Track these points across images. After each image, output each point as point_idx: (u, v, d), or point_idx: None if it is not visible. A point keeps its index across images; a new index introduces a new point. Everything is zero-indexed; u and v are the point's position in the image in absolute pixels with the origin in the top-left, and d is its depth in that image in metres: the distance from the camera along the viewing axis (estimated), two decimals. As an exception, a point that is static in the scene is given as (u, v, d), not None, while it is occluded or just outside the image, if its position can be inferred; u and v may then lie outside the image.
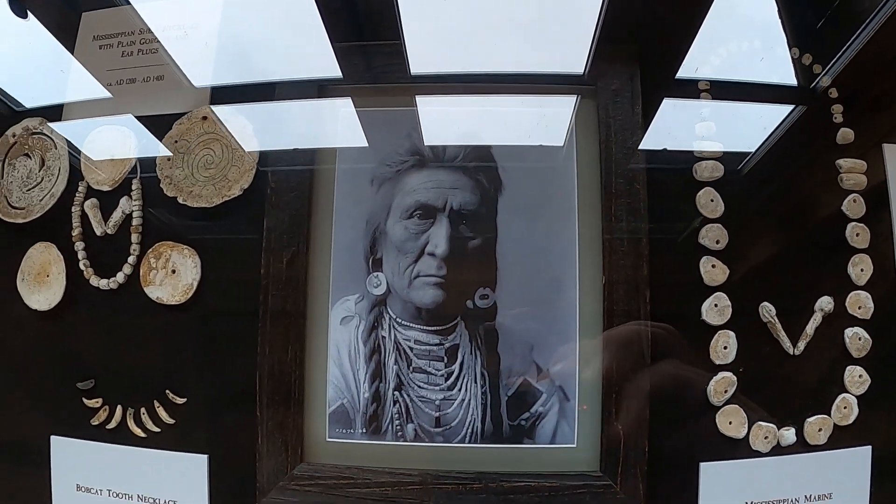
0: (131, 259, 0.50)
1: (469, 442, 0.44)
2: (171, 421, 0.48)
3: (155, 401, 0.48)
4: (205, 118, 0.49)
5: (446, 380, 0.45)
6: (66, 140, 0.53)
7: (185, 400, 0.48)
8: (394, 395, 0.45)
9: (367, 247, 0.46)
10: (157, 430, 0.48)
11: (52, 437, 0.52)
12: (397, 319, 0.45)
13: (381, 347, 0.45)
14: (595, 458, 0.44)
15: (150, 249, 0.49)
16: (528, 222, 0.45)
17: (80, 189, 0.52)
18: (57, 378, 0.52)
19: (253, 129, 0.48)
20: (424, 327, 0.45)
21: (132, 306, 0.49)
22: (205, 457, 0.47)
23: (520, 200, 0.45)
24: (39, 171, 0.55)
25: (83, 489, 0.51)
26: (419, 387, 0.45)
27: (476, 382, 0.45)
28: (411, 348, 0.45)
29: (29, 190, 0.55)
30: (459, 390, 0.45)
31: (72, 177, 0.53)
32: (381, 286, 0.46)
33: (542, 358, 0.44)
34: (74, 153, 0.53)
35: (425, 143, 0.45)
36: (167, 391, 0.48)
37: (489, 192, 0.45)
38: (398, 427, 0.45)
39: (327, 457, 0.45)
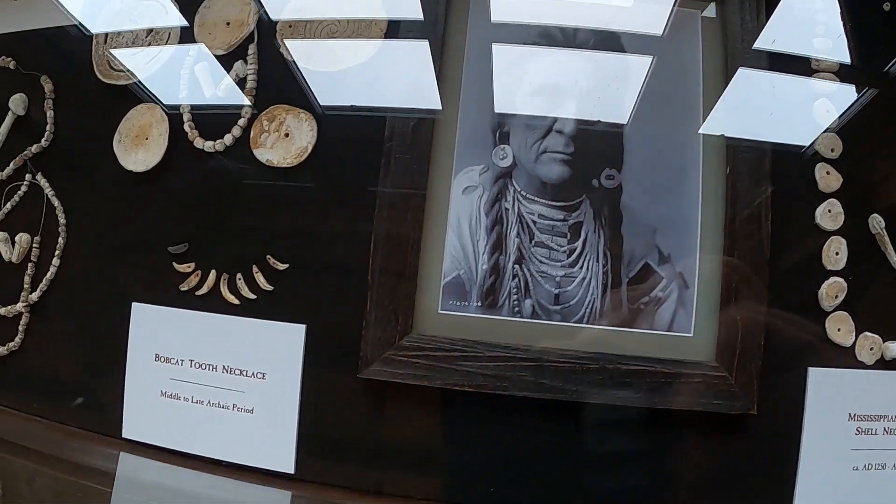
0: (241, 121, 0.49)
1: (587, 322, 0.43)
2: (270, 288, 0.46)
3: (254, 266, 0.47)
4: None
5: (568, 256, 0.44)
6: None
7: (286, 266, 0.46)
8: (513, 268, 0.44)
9: (494, 119, 0.46)
10: (253, 297, 0.47)
11: (134, 304, 0.50)
12: (522, 192, 0.44)
13: (503, 219, 0.44)
14: (710, 349, 0.44)
15: (264, 112, 0.48)
16: (654, 110, 0.45)
17: (190, 52, 0.52)
18: (147, 242, 0.50)
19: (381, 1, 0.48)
20: (549, 202, 0.44)
21: (238, 169, 0.48)
22: (302, 326, 0.46)
23: (647, 88, 0.45)
24: (147, 36, 0.54)
25: (162, 359, 0.48)
26: (540, 261, 0.44)
27: (598, 261, 0.44)
28: (535, 222, 0.44)
29: (135, 54, 0.54)
30: (581, 268, 0.44)
31: (183, 40, 0.52)
32: (508, 158, 0.45)
33: (664, 242, 0.44)
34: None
35: (557, 24, 0.46)
36: (268, 256, 0.47)
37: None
38: (515, 302, 0.44)
39: (438, 329, 0.43)
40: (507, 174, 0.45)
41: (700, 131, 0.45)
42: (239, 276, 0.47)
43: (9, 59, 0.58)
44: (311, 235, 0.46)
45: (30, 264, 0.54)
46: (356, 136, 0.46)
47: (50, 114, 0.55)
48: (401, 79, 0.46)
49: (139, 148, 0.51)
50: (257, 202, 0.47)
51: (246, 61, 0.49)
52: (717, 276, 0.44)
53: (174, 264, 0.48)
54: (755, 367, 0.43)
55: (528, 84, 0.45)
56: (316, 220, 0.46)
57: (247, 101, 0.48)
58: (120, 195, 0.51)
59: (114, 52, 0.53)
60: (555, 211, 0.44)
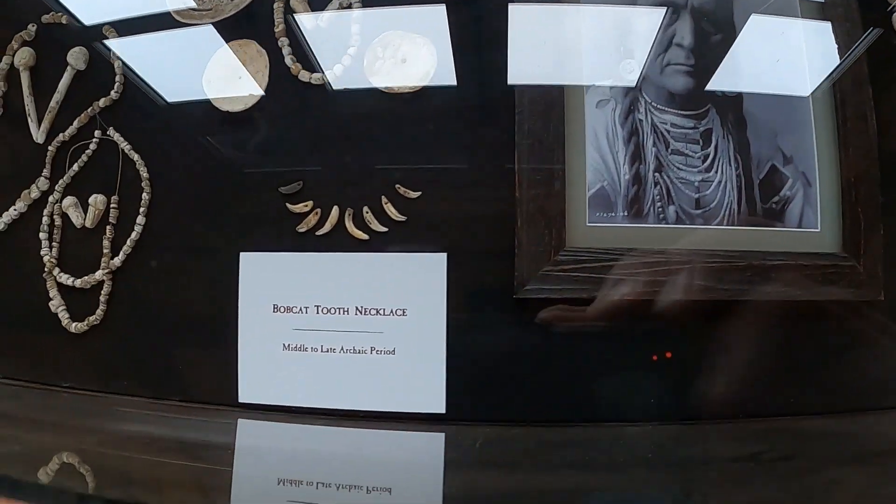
0: (352, 50, 0.46)
1: (727, 224, 0.44)
2: (402, 218, 0.44)
3: (383, 197, 0.44)
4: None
5: (703, 161, 0.45)
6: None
7: (419, 194, 0.44)
8: (654, 176, 0.44)
9: (616, 36, 0.46)
10: (384, 229, 0.44)
11: (242, 255, 0.45)
12: (653, 103, 0.45)
13: (638, 130, 0.45)
14: (837, 242, 0.46)
15: (377, 39, 0.46)
16: (761, 23, 0.47)
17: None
18: (251, 186, 0.46)
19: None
20: (679, 111, 0.45)
21: (351, 99, 0.45)
22: (443, 255, 0.43)
23: (755, 3, 0.47)
24: None
25: (282, 309, 0.44)
26: (678, 168, 0.45)
27: (731, 165, 0.45)
28: (668, 131, 0.45)
29: None
30: (716, 172, 0.45)
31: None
32: (634, 72, 0.46)
33: (785, 145, 0.46)
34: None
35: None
36: (397, 185, 0.45)
37: (725, -7, 0.48)
38: (660, 209, 0.44)
39: (589, 241, 0.43)
40: (636, 87, 0.46)
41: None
42: (366, 209, 0.44)
43: (60, 14, 0.53)
44: (442, 159, 0.44)
45: (108, 227, 0.48)
46: (483, 57, 0.45)
47: (118, 63, 0.50)
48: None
49: (233, 87, 0.48)
50: (376, 132, 0.45)
51: (346, -11, 0.49)
52: (836, 173, 0.47)
53: (288, 205, 0.45)
54: (878, 255, 0.46)
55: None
56: (447, 144, 0.44)
57: (354, 29, 0.47)
58: (215, 139, 0.47)
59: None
60: (685, 119, 0.45)
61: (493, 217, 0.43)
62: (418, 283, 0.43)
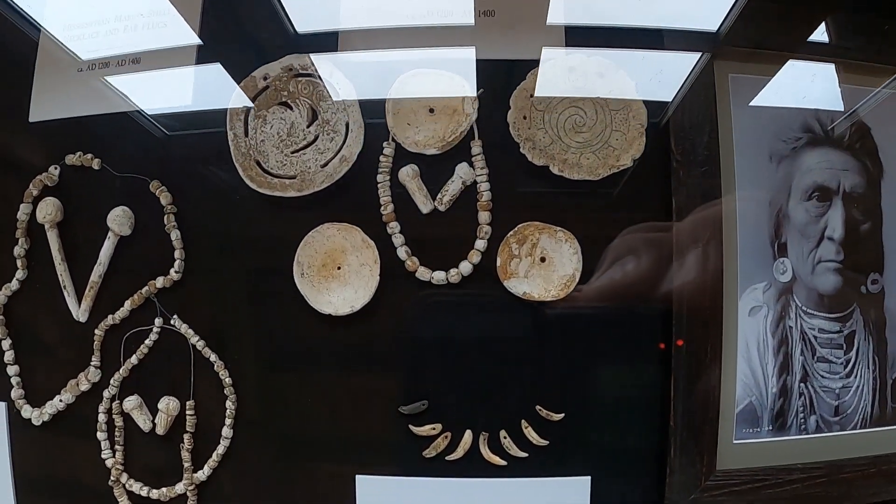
0: (480, 244, 0.39)
1: (860, 428, 0.44)
2: (544, 442, 0.40)
3: (523, 420, 0.40)
4: (571, 69, 0.40)
5: (845, 367, 0.43)
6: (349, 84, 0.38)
7: (562, 416, 0.40)
8: (799, 386, 0.42)
9: (772, 230, 0.42)
10: (524, 455, 0.40)
11: (358, 477, 0.40)
12: (803, 307, 0.42)
13: (788, 338, 0.42)
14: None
15: (512, 232, 0.39)
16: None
17: (386, 151, 0.40)
18: (366, 400, 0.40)
19: (636, 85, 0.39)
20: (827, 314, 0.43)
21: (482, 305, 0.39)
22: (587, 479, 0.40)
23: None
24: (308, 126, 0.40)
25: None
26: (822, 376, 0.43)
27: (868, 368, 0.44)
28: (815, 337, 0.43)
29: (295, 152, 0.40)
30: (855, 377, 0.44)
31: (368, 135, 0.40)
32: (788, 272, 0.42)
33: (917, 340, 0.45)
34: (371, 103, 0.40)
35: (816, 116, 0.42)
36: (538, 407, 0.40)
37: (873, 175, 0.44)
38: (801, 420, 0.43)
39: (735, 460, 0.40)
40: (788, 290, 0.42)
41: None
42: (503, 433, 0.39)
43: (90, 155, 0.42)
44: (586, 379, 0.40)
45: (186, 437, 0.41)
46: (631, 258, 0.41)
47: (176, 234, 0.41)
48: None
49: (332, 281, 0.39)
50: (515, 345, 0.39)
51: (472, 164, 0.40)
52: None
53: (411, 427, 0.39)
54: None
55: (799, 187, 0.43)
56: (593, 360, 0.40)
57: (482, 218, 0.40)
58: (314, 341, 0.39)
59: (263, 148, 0.39)
60: (832, 323, 0.43)
61: (640, 440, 0.39)
62: (559, 508, 0.41)
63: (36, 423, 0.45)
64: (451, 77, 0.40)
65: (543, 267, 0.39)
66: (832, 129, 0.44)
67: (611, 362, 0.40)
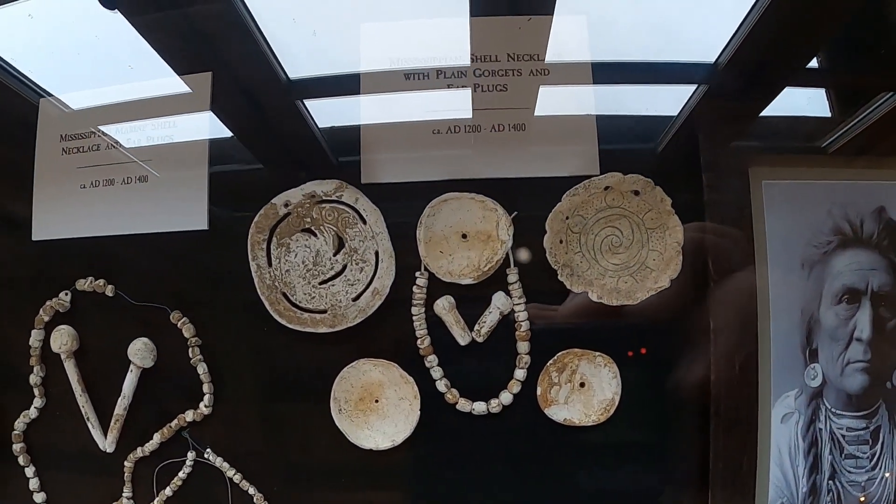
0: (519, 374, 0.39)
1: (882, 516, 0.46)
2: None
3: None
4: (608, 188, 0.39)
5: (870, 461, 0.45)
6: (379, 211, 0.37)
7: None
8: (828, 484, 0.44)
9: (803, 337, 0.42)
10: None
11: None
12: (832, 409, 0.43)
13: (817, 440, 0.43)
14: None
15: (552, 361, 0.39)
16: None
17: (419, 282, 0.39)
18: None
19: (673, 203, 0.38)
20: (854, 413, 0.44)
21: (523, 432, 0.39)
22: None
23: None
24: (335, 254, 0.39)
25: None
26: (849, 472, 0.44)
27: (893, 459, 0.46)
28: (843, 436, 0.44)
29: (323, 282, 0.39)
30: (879, 469, 0.45)
31: (399, 264, 0.39)
32: (818, 377, 0.43)
33: (936, 425, 0.47)
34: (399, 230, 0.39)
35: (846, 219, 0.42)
36: None
37: (900, 269, 0.45)
38: (829, 515, 0.45)
39: (767, 562, 0.43)
40: (818, 394, 0.43)
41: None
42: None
43: (102, 281, 0.41)
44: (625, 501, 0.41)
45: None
46: (665, 380, 0.40)
47: (202, 368, 0.40)
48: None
49: (371, 414, 0.39)
50: (555, 470, 0.39)
51: (509, 293, 0.39)
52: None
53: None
54: None
55: (830, 292, 0.43)
56: (629, 483, 0.40)
57: (522, 348, 0.39)
58: (354, 471, 0.39)
59: (288, 279, 0.37)
60: (859, 421, 0.44)
61: None
62: None
63: (67, 553, 0.45)
64: (482, 200, 0.39)
65: (583, 392, 0.39)
66: (861, 228, 0.44)
67: (648, 486, 0.41)
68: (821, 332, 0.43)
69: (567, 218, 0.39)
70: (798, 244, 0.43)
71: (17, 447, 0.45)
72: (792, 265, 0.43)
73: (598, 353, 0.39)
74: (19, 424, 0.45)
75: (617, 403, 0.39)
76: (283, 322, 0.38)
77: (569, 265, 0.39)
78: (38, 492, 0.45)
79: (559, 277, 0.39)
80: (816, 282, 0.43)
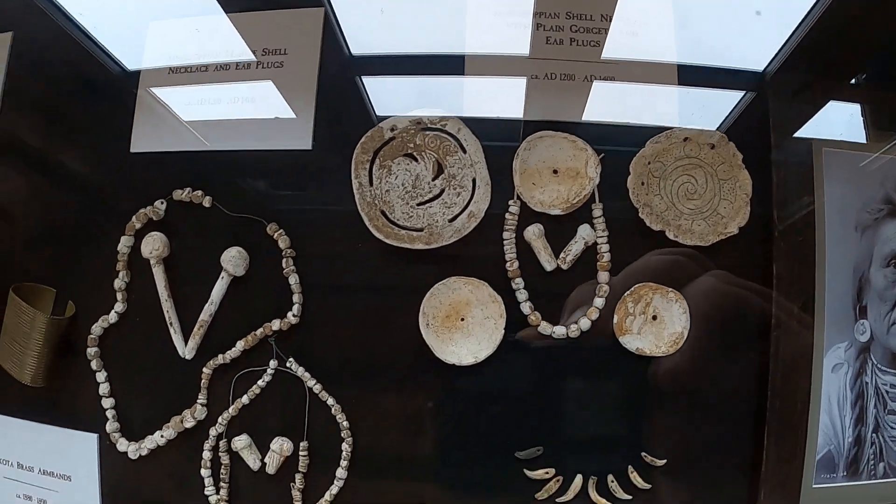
0: (598, 302, 0.41)
1: (919, 473, 0.48)
2: (647, 486, 0.42)
3: (629, 466, 0.42)
4: (686, 139, 0.42)
5: (910, 418, 0.48)
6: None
7: (664, 462, 0.42)
8: (872, 437, 0.46)
9: (854, 294, 0.45)
10: (628, 497, 0.42)
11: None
12: (878, 365, 0.46)
13: (864, 393, 0.46)
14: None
15: (629, 292, 0.41)
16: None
17: (512, 209, 0.41)
18: (480, 445, 0.42)
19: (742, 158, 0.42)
20: (897, 371, 0.47)
21: (596, 359, 0.42)
22: (683, 519, 0.44)
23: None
24: (434, 179, 0.41)
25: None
26: (891, 427, 0.47)
27: (930, 418, 0.48)
28: (888, 392, 0.46)
29: (421, 204, 0.41)
30: None
31: (494, 193, 0.41)
32: (867, 333, 0.46)
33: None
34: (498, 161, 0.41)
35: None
36: (643, 454, 0.42)
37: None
38: (871, 466, 0.46)
39: (815, 503, 0.45)
40: (866, 349, 0.46)
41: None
42: (610, 477, 0.42)
43: (199, 192, 0.42)
44: (687, 427, 0.42)
45: (298, 477, 0.42)
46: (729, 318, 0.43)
47: (294, 279, 0.42)
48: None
49: (455, 332, 0.41)
50: (624, 395, 0.42)
51: (593, 226, 0.42)
52: None
53: (526, 471, 0.41)
54: None
55: (880, 255, 0.46)
56: (693, 412, 0.42)
57: (602, 278, 0.42)
58: (431, 389, 0.41)
59: (388, 198, 0.40)
60: None
61: (734, 486, 0.42)
62: (656, 547, 0.44)
63: (133, 456, 0.45)
64: (574, 140, 0.42)
65: (655, 325, 0.42)
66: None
67: (707, 417, 0.43)
68: (870, 291, 0.47)
69: (649, 163, 0.42)
70: (853, 208, 0.46)
71: (91, 350, 0.46)
72: (847, 226, 0.46)
73: (670, 289, 0.42)
74: (96, 329, 0.46)
75: (685, 337, 0.42)
76: (381, 237, 0.41)
77: (649, 205, 0.42)
78: (107, 397, 0.46)
79: (640, 215, 0.42)
80: (868, 244, 0.47)
